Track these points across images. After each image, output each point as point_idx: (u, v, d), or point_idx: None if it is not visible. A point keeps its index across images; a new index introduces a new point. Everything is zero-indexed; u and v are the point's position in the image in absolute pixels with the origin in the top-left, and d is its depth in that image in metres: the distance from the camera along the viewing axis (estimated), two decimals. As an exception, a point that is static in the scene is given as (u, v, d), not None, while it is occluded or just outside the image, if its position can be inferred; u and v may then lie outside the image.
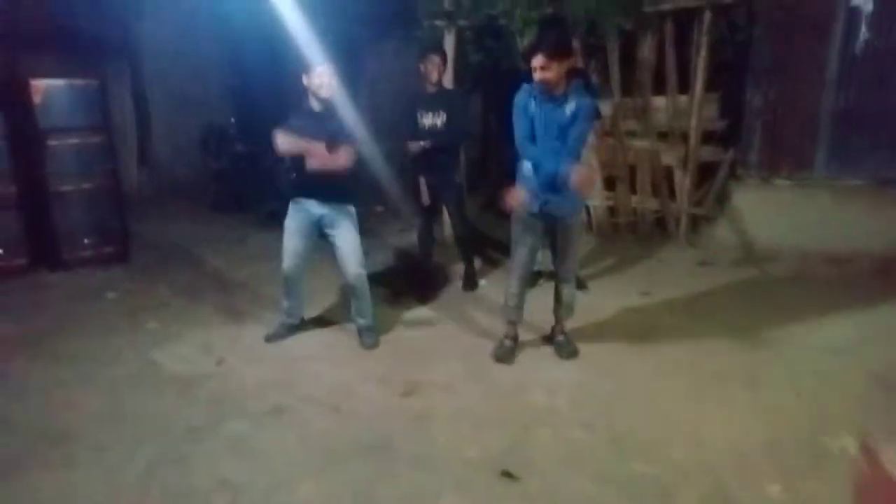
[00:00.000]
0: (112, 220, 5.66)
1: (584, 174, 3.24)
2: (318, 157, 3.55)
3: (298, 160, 3.67)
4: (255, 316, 4.40)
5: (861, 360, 3.50)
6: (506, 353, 3.68)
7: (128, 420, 3.12)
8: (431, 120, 4.59)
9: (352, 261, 3.78)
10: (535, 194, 3.39)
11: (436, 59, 4.53)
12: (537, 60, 3.15)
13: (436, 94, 4.60)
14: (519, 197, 3.38)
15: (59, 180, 5.36)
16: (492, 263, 5.51)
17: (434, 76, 4.53)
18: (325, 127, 3.62)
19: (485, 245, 5.82)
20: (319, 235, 3.83)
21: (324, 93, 3.59)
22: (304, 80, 3.61)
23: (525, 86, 3.34)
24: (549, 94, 3.23)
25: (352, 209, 3.81)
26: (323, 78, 3.57)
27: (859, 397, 3.13)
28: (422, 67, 4.55)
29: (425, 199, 4.78)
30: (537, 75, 3.18)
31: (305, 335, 4.09)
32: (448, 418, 3.08)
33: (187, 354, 3.83)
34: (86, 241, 5.54)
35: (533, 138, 3.33)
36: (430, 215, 4.92)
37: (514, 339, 3.76)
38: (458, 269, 5.16)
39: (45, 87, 5.20)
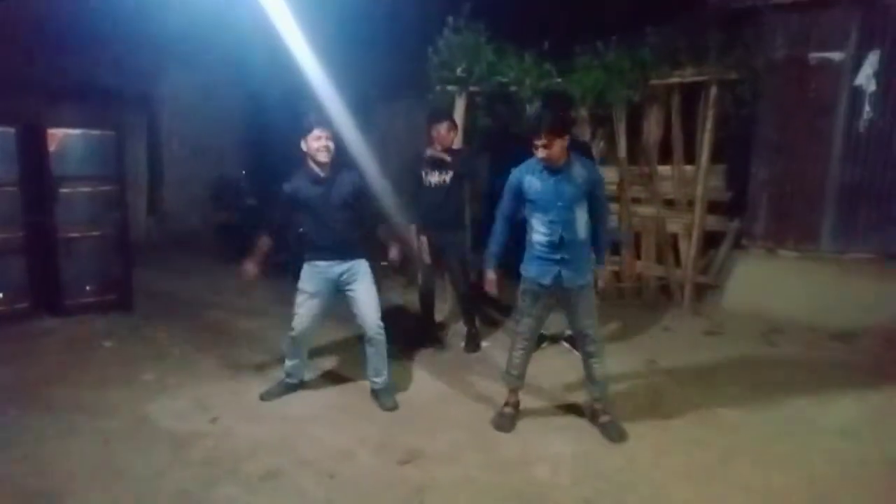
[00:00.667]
0: (116, 267, 5.63)
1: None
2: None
3: (313, 221, 3.67)
4: (255, 371, 4.31)
5: (875, 444, 3.37)
6: (506, 422, 3.57)
7: (118, 480, 3.00)
8: (438, 177, 4.61)
9: (373, 313, 3.74)
10: (547, 265, 3.37)
11: (446, 126, 4.59)
12: (540, 139, 3.23)
13: (444, 152, 4.63)
14: (491, 283, 3.57)
15: (68, 227, 5.37)
16: (494, 325, 5.43)
17: (445, 143, 4.58)
18: (332, 194, 3.64)
19: (487, 306, 5.75)
20: (335, 293, 3.79)
21: (321, 157, 3.58)
22: (303, 145, 3.60)
23: (527, 162, 3.42)
24: (553, 167, 3.30)
25: (366, 262, 3.80)
26: (320, 142, 3.56)
27: (877, 487, 3.00)
28: (433, 133, 4.60)
29: (426, 256, 4.76)
30: (540, 153, 3.26)
31: (305, 394, 3.99)
32: (446, 491, 2.96)
33: (182, 410, 3.73)
34: (88, 287, 5.50)
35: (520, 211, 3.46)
36: (432, 273, 4.88)
37: (515, 406, 3.66)
38: (461, 329, 5.07)
39: (62, 136, 5.27)
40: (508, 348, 3.67)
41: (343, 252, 3.71)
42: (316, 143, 3.56)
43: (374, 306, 3.75)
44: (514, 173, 3.45)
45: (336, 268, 3.71)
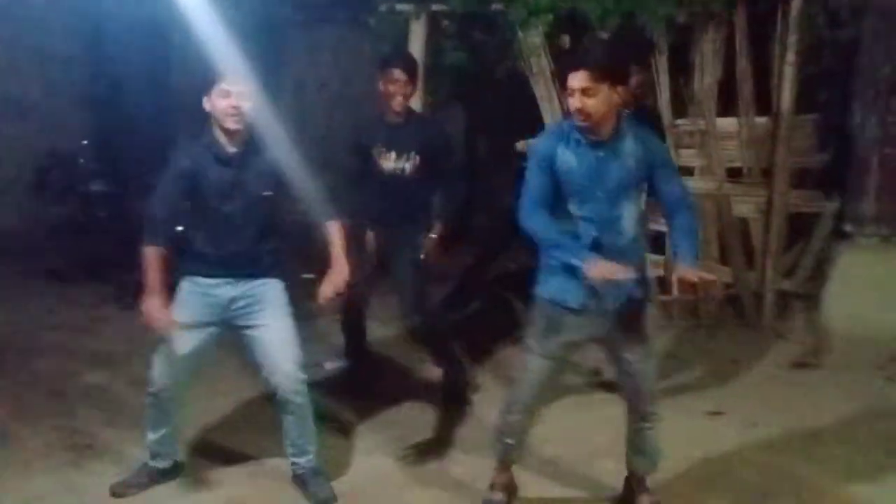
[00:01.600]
0: None
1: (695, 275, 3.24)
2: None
3: (203, 217, 3.66)
4: (108, 452, 4.25)
5: None
6: None
7: None
8: (395, 163, 4.64)
9: (286, 362, 3.69)
10: (573, 281, 3.26)
11: (400, 75, 4.58)
12: (577, 79, 3.14)
13: (403, 125, 4.65)
14: (611, 270, 3.16)
15: None
16: (486, 367, 5.42)
17: (398, 100, 4.57)
18: (242, 180, 3.63)
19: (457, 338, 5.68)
20: (226, 329, 3.76)
21: (229, 123, 3.56)
22: (205, 103, 3.58)
23: (558, 125, 3.44)
24: (595, 136, 3.24)
25: (279, 284, 3.78)
26: (229, 100, 3.53)
27: None
28: (381, 87, 4.59)
29: (372, 257, 4.80)
30: (574, 102, 3.16)
31: (189, 486, 3.93)
32: None
33: (-4, 519, 3.67)
34: None
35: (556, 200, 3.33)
36: (367, 285, 4.84)
37: (508, 489, 3.65)
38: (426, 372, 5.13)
39: None
40: (502, 403, 3.64)
41: (241, 267, 3.68)
42: (223, 103, 3.53)
43: (289, 351, 3.72)
44: (543, 138, 3.41)
45: (228, 289, 3.67)
